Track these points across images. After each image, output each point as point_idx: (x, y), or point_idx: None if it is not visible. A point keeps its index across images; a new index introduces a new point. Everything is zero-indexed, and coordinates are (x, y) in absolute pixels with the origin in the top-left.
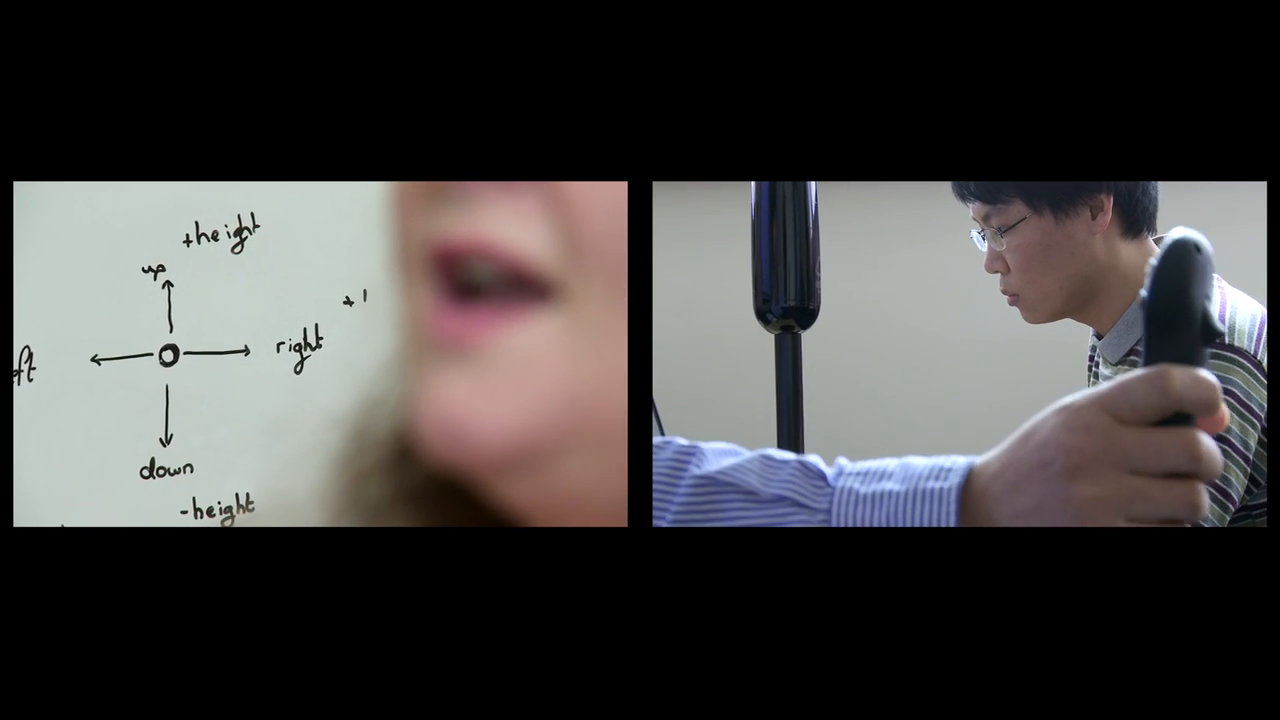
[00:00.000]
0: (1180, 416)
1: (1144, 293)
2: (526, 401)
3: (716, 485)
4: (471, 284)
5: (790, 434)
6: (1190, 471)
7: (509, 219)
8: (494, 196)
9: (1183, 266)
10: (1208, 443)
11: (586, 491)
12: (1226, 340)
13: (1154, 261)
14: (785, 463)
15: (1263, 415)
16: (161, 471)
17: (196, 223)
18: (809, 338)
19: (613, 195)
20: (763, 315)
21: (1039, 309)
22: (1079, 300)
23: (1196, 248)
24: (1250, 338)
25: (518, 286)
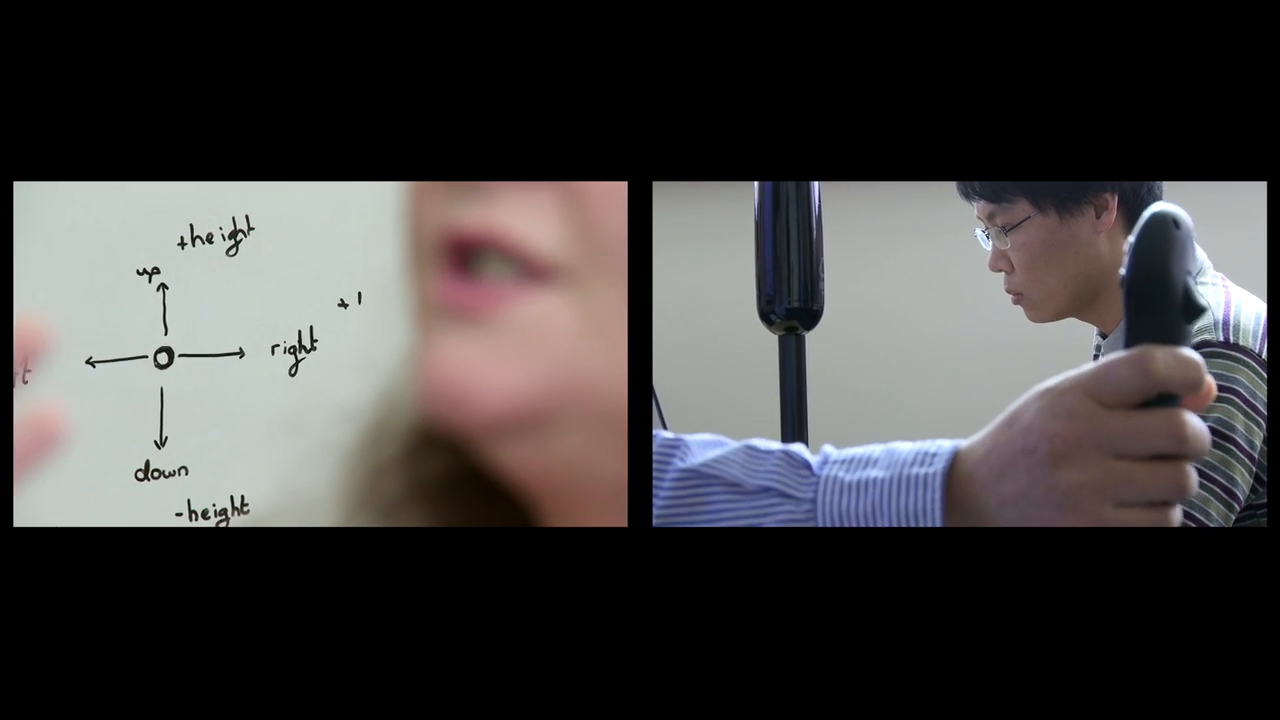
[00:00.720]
0: (1164, 398)
1: (1123, 271)
2: (529, 369)
3: (700, 478)
4: (481, 271)
5: (794, 436)
6: (1176, 453)
7: (523, 211)
8: (510, 188)
9: (1161, 241)
10: (1193, 423)
11: (583, 466)
12: (1232, 339)
13: (1132, 238)
14: (769, 453)
15: (1267, 414)
16: (156, 474)
17: (191, 225)
18: (813, 339)
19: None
20: (766, 316)
21: (1043, 308)
22: (1083, 299)
23: (1175, 222)
24: (1255, 336)
25: (528, 273)
